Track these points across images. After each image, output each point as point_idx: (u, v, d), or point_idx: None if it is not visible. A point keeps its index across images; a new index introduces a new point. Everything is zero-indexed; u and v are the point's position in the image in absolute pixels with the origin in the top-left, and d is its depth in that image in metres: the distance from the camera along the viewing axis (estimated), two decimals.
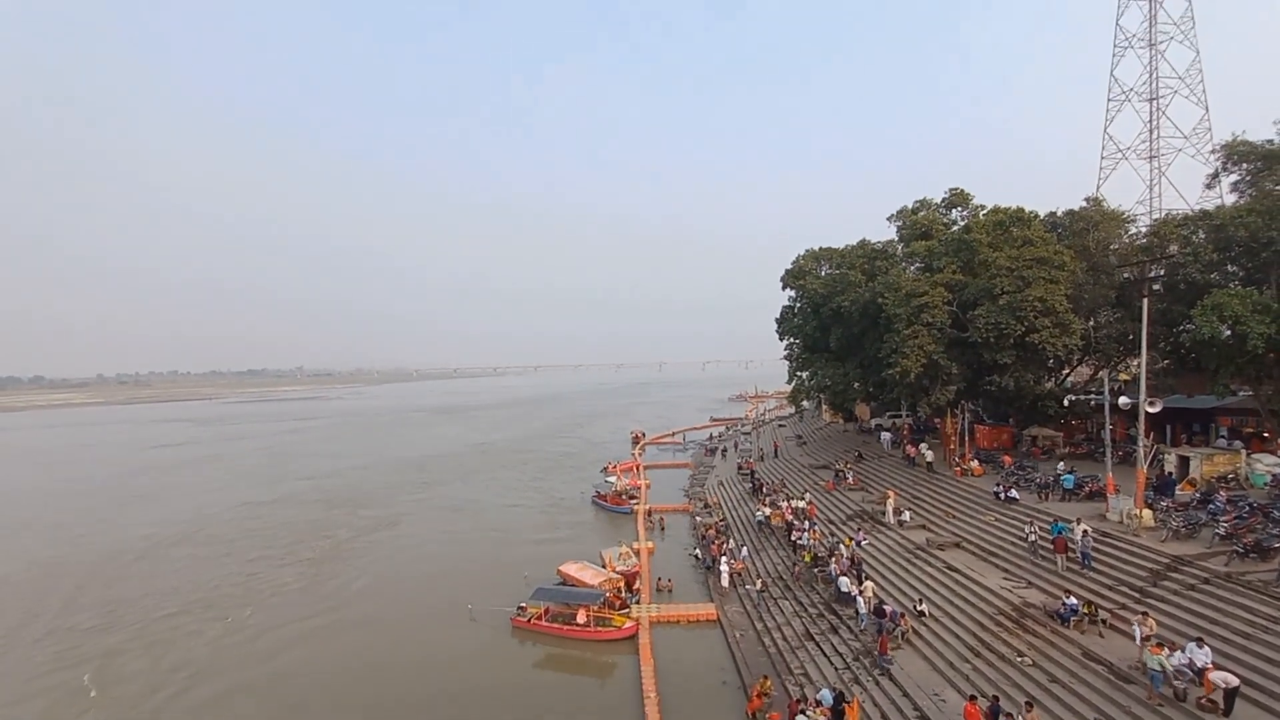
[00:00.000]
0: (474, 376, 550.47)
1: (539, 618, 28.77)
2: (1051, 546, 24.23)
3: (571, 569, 32.92)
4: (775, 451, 60.96)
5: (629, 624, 27.81)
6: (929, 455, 40.29)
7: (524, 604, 29.65)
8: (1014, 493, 31.00)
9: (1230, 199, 37.22)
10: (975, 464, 37.14)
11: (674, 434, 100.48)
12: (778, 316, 55.65)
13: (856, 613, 24.62)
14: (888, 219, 49.37)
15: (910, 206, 48.48)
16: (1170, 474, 29.86)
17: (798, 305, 53.04)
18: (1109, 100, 68.59)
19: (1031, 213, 40.84)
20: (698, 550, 37.71)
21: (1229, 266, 33.31)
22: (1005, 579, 24.26)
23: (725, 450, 71.86)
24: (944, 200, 47.57)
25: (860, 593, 25.14)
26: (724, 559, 33.13)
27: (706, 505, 49.30)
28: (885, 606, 23.38)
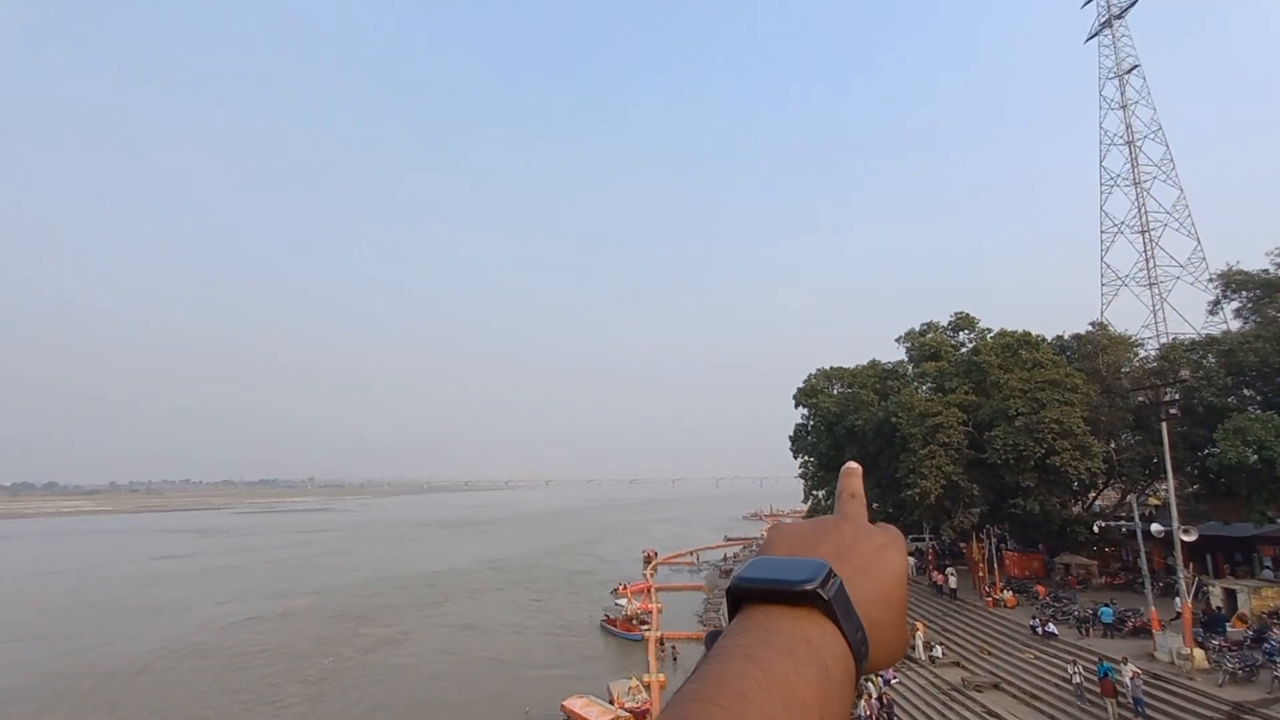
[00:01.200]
0: (485, 490, 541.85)
1: None
2: (1099, 690, 22.37)
3: (576, 705, 30.59)
4: None
5: None
6: (954, 582, 38.32)
7: None
8: (1052, 627, 29.10)
9: (1235, 324, 37.94)
10: (1009, 594, 35.16)
11: (687, 554, 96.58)
12: (791, 434, 55.51)
13: None
14: (896, 340, 50.62)
15: (918, 329, 49.82)
16: (1219, 609, 28.03)
17: (811, 423, 53.11)
18: (1102, 232, 72.00)
19: (1039, 336, 41.74)
20: None
21: (1244, 390, 33.30)
22: None
23: None
24: (950, 323, 48.93)
25: None
26: None
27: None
28: None
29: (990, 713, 24.04)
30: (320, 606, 60.47)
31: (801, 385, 53.63)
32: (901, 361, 50.43)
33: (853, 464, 0.94)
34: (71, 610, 60.93)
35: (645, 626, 48.52)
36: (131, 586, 74.76)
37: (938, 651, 30.67)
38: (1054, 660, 26.37)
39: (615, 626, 48.62)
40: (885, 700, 26.80)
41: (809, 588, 0.61)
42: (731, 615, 0.67)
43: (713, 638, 0.63)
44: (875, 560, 0.73)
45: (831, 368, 54.00)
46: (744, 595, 0.66)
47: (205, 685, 37.17)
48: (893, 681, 29.20)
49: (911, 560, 47.46)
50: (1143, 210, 69.48)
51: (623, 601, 52.31)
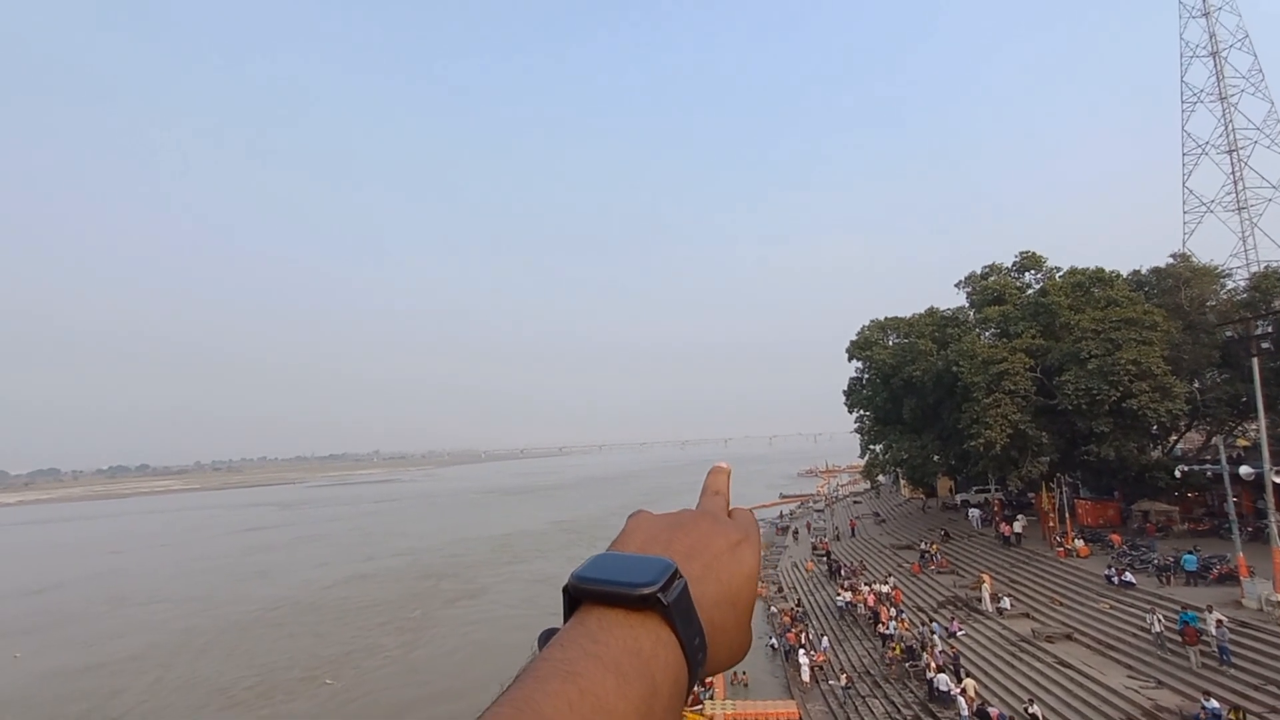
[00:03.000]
0: (540, 456, 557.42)
1: None
2: (1181, 639, 21.49)
3: None
4: (852, 530, 57.80)
5: None
6: (1021, 530, 37.23)
7: None
8: (1129, 576, 27.99)
9: None
10: (1080, 544, 33.93)
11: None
12: (845, 389, 54.39)
13: (958, 715, 22.31)
14: (956, 285, 48.42)
15: (979, 271, 47.44)
16: None
17: (866, 376, 51.81)
18: (1184, 155, 66.17)
19: (1113, 272, 39.14)
20: (774, 639, 35.54)
21: None
22: (1130, 677, 21.57)
23: (797, 530, 68.70)
24: (1015, 264, 46.37)
25: (960, 692, 22.86)
26: (803, 650, 31.04)
27: (780, 589, 46.82)
28: (990, 709, 21.14)
29: (1063, 663, 23.47)
30: (403, 567, 65.69)
31: (855, 338, 52.16)
32: (962, 308, 48.28)
33: (722, 464, 0.92)
34: (190, 577, 67.33)
35: None
36: (235, 555, 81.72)
37: (1005, 603, 30.03)
38: (1131, 610, 25.42)
39: None
40: (952, 652, 26.55)
41: (647, 592, 0.58)
42: (567, 614, 0.62)
43: (546, 637, 0.58)
44: (728, 559, 0.70)
45: (886, 318, 52.23)
46: (581, 596, 0.61)
47: (322, 634, 42.55)
48: (959, 634, 28.85)
49: (976, 512, 46.33)
50: (1230, 128, 63.39)
51: None
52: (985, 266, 47.42)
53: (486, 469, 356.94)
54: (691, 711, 26.71)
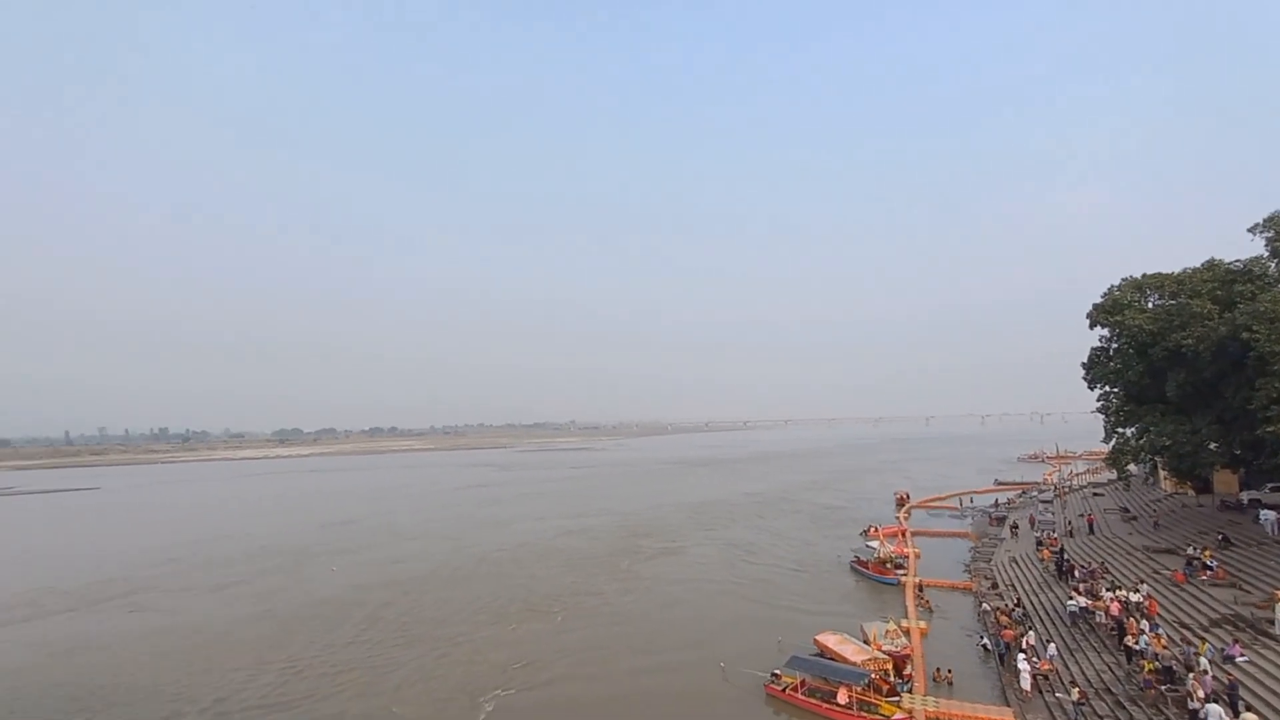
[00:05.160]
0: (724, 431, 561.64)
1: (794, 689, 26.99)
2: None
3: (830, 640, 30.37)
4: (1090, 527, 49.26)
5: (900, 715, 24.40)
6: None
7: (778, 671, 28.19)
8: None
9: None
10: None
11: (946, 497, 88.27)
12: (1085, 361, 46.00)
13: None
14: (1250, 230, 38.10)
15: None
16: None
17: (1114, 346, 43.21)
18: None
19: None
20: (986, 639, 31.83)
21: None
22: None
23: (1016, 524, 60.45)
24: None
25: None
26: (1023, 655, 27.32)
27: (994, 585, 41.73)
28: None
29: None
30: (610, 525, 73.29)
31: (1100, 300, 43.56)
32: (1259, 258, 37.85)
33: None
34: (442, 521, 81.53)
35: (901, 571, 45.94)
36: (471, 505, 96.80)
37: None
38: None
39: (867, 568, 46.94)
40: (1228, 680, 21.37)
41: None
42: None
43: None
44: None
45: (1145, 275, 42.78)
46: None
47: (553, 575, 49.58)
48: (1239, 660, 23.14)
49: (1271, 515, 36.47)
50: None
51: (874, 544, 50.12)
52: None
53: (672, 441, 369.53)
54: (887, 703, 25.12)
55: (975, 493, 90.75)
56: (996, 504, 75.49)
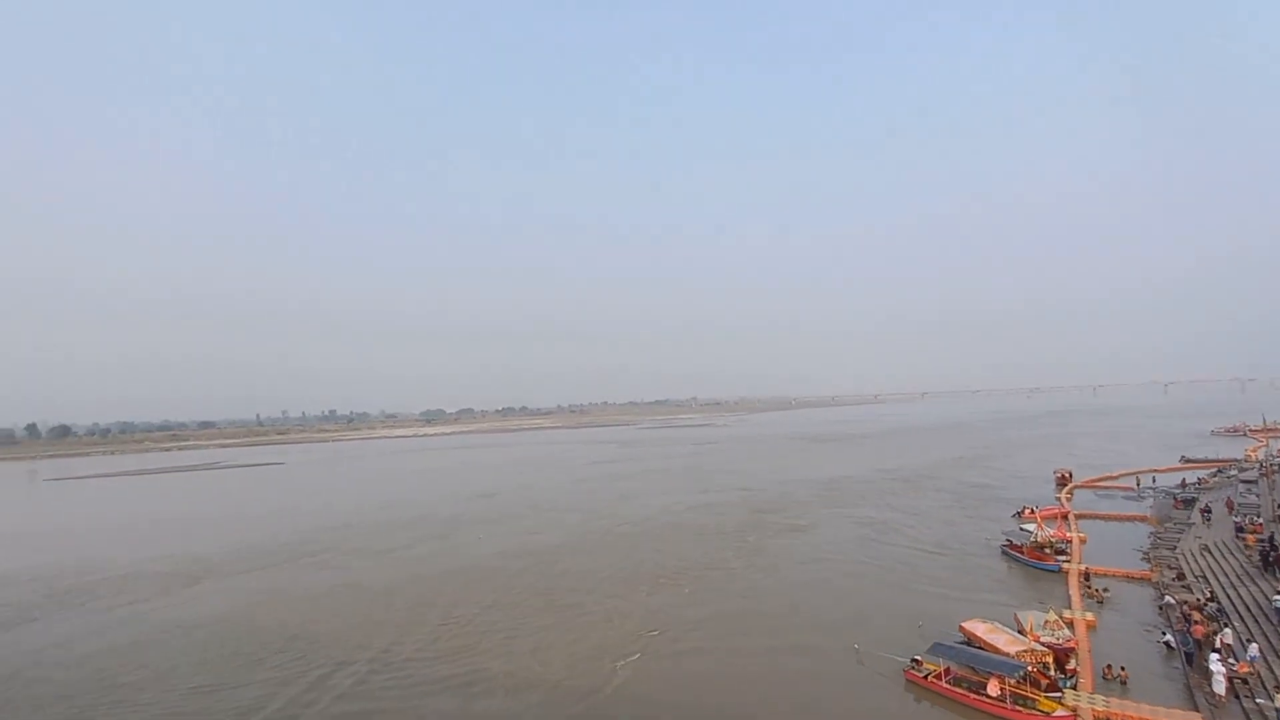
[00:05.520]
0: (852, 405, 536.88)
1: (937, 677, 25.54)
2: None
3: (979, 629, 28.34)
4: None
5: (1061, 713, 22.33)
6: None
7: (919, 657, 26.81)
8: None
9: None
10: None
11: (1120, 476, 78.16)
12: None
13: None
14: None
15: None
16: None
17: None
18: None
19: None
20: (1169, 635, 28.09)
21: None
22: None
23: (1209, 507, 52.20)
24: None
25: None
26: (1217, 655, 23.80)
27: (1180, 576, 36.58)
28: None
29: None
30: (735, 501, 73.43)
31: None
32: None
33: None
34: (574, 495, 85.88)
35: (1063, 557, 41.62)
36: (600, 480, 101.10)
37: None
38: None
39: (1021, 553, 43.03)
40: None
41: None
42: None
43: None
44: None
45: None
46: None
47: (680, 548, 51.10)
48: None
49: None
50: None
51: (1030, 527, 45.74)
52: None
53: (797, 416, 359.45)
54: (1046, 697, 23.09)
55: (1157, 471, 79.56)
56: (1184, 484, 65.75)
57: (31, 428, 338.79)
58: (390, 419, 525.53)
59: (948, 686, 24.94)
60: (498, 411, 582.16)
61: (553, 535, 58.21)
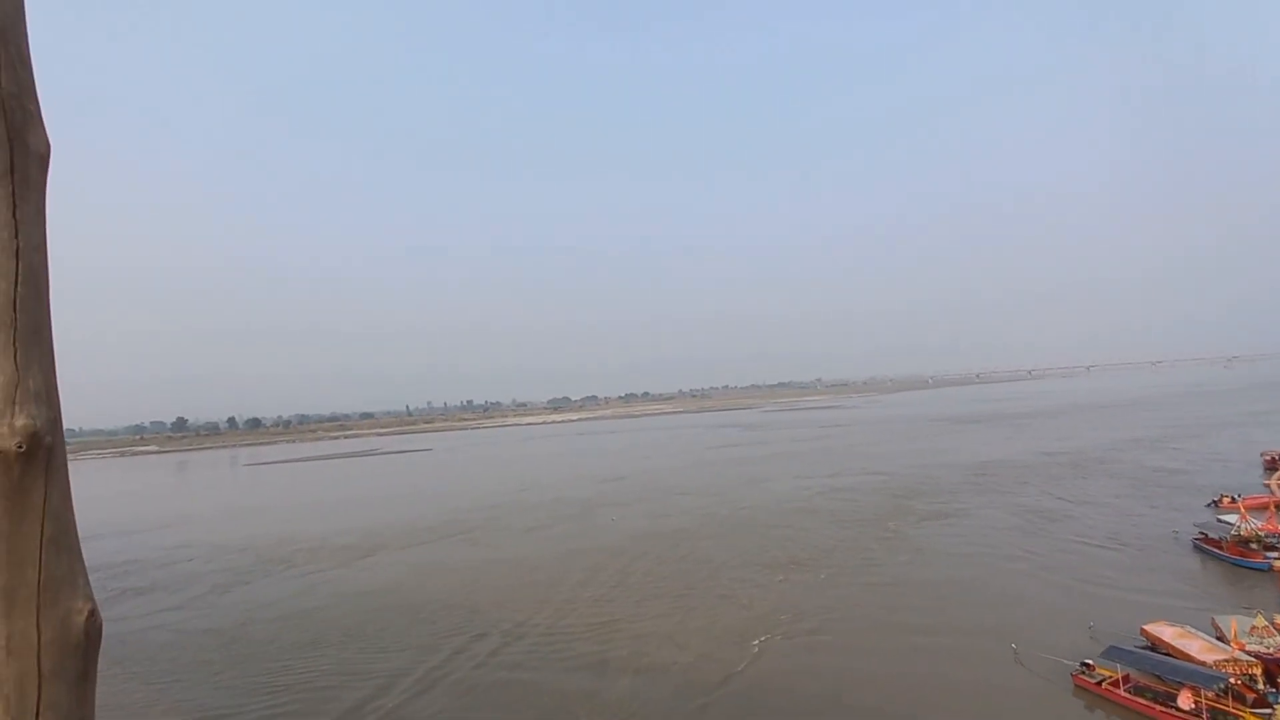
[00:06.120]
0: (1000, 382, 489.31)
1: (1114, 684, 22.93)
2: None
3: (1165, 633, 25.04)
4: None
5: None
6: None
7: (1090, 661, 24.22)
8: None
9: None
10: None
11: None
12: None
13: None
14: None
15: None
16: None
17: None
18: None
19: None
20: None
21: None
22: None
23: None
24: None
25: None
26: None
27: None
28: None
29: None
30: (870, 484, 70.80)
31: None
32: None
33: None
34: (699, 479, 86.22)
35: (1274, 554, 35.48)
36: (726, 464, 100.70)
37: None
38: None
39: (1219, 548, 37.26)
40: None
41: None
42: None
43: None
44: None
45: None
46: None
47: (814, 532, 50.26)
48: None
49: None
50: None
51: (1231, 518, 39.41)
52: None
53: (935, 395, 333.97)
54: (1253, 713, 20.01)
55: None
56: None
57: (231, 421, 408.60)
58: (521, 407, 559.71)
59: (1127, 696, 22.33)
60: (620, 398, 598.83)
61: (683, 519, 59.20)
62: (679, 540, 50.65)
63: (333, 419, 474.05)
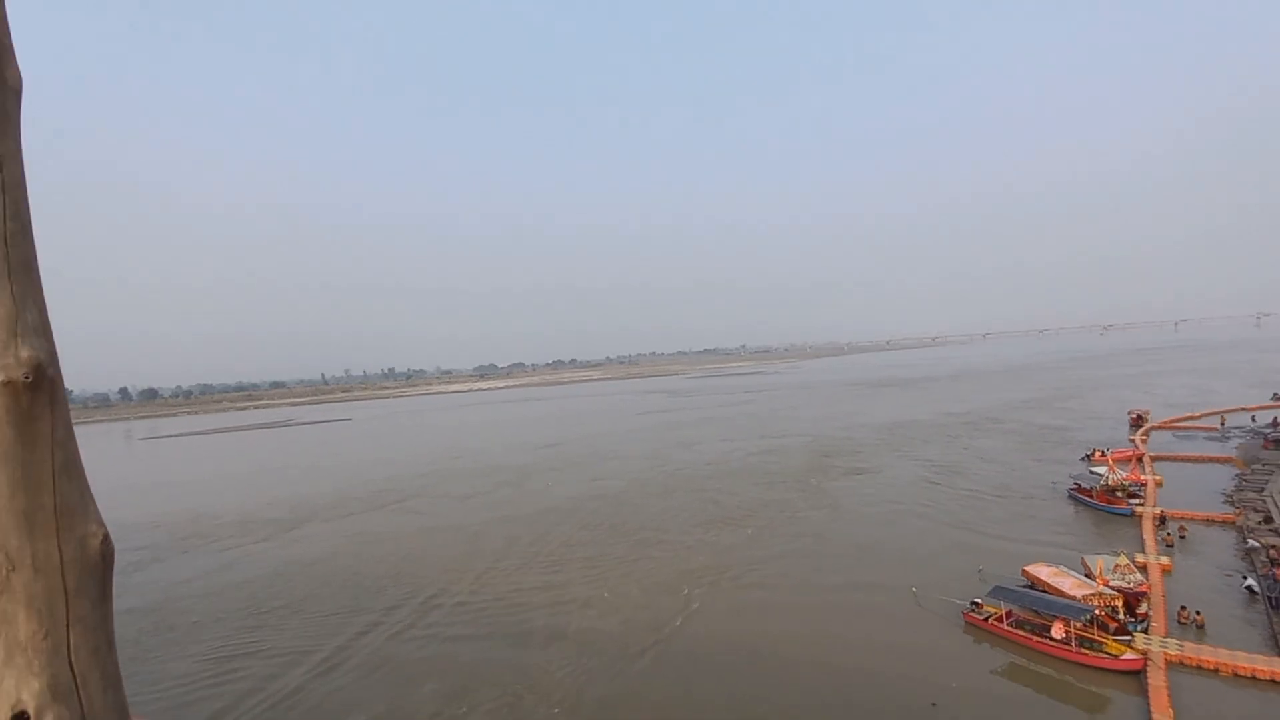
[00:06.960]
0: (909, 349, 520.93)
1: (998, 620, 25.67)
2: None
3: (1043, 572, 28.15)
4: None
5: (1130, 656, 22.24)
6: None
7: (979, 600, 26.94)
8: None
9: None
10: None
11: (1201, 416, 74.01)
12: None
13: None
14: None
15: None
16: None
17: None
18: None
19: None
20: (1252, 580, 27.19)
21: None
22: None
23: None
24: None
25: None
26: None
27: (1268, 519, 34.95)
28: None
29: None
30: (793, 445, 74.28)
31: None
32: None
33: None
34: (633, 443, 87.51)
35: (1136, 501, 40.30)
36: (656, 429, 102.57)
37: None
38: None
39: (1090, 497, 41.89)
40: None
41: None
42: None
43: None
44: None
45: None
46: None
47: (742, 491, 52.47)
48: None
49: None
50: None
51: (1100, 470, 44.30)
52: None
53: (851, 362, 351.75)
54: (1116, 641, 22.95)
55: (1244, 409, 74.89)
56: (1275, 423, 61.77)
57: (123, 391, 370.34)
58: (445, 375, 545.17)
59: (1009, 629, 25.11)
60: (548, 365, 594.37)
61: (616, 481, 60.43)
62: (616, 502, 51.90)
63: (239, 389, 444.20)
